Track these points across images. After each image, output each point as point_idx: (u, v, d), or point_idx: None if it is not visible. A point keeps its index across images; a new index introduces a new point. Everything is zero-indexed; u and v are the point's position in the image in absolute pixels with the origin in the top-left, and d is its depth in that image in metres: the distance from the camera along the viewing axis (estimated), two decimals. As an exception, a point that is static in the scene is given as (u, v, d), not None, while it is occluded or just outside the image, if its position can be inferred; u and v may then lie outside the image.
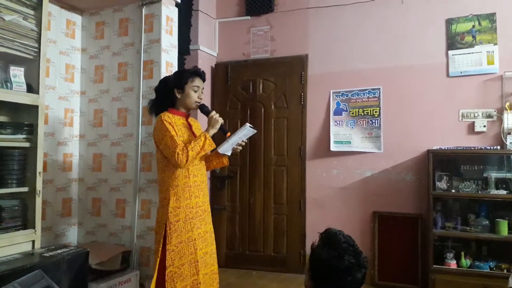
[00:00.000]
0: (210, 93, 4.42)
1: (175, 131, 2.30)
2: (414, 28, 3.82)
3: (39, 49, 2.58)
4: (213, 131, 2.40)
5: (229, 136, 2.46)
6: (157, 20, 3.26)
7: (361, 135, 3.93)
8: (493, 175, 3.38)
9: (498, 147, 3.39)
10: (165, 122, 2.31)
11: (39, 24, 2.59)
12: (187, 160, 2.25)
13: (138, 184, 3.25)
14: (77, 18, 3.51)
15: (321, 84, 4.11)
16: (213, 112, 2.44)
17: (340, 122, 4.02)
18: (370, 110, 3.91)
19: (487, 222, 3.32)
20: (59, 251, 2.47)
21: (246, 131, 2.47)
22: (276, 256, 4.14)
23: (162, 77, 2.78)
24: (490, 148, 3.39)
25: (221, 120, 2.42)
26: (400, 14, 3.87)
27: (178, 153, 2.23)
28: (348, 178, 3.97)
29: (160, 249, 2.26)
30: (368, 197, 3.88)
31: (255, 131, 2.51)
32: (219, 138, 2.46)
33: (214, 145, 2.39)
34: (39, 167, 2.53)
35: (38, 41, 2.58)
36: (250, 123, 2.50)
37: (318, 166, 4.09)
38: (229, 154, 2.51)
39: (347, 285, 1.33)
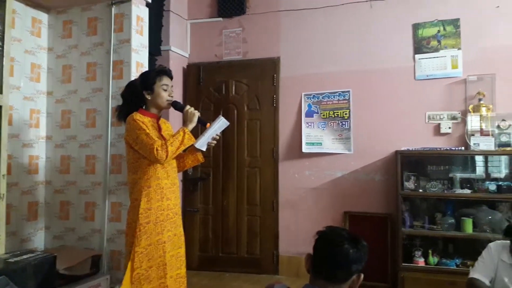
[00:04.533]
0: (182, 94, 4.39)
1: (149, 129, 2.28)
2: (383, 32, 3.92)
3: (3, 47, 2.49)
4: (191, 125, 2.37)
5: (205, 130, 2.45)
6: (127, 20, 3.22)
7: (332, 136, 3.99)
8: (458, 175, 3.51)
9: (463, 148, 3.52)
10: (137, 121, 2.28)
11: (2, 21, 2.49)
12: (167, 156, 2.21)
13: (108, 187, 3.18)
14: (43, 17, 3.41)
15: (292, 87, 4.15)
16: (188, 106, 2.42)
17: (312, 124, 4.07)
18: (340, 112, 3.98)
19: (453, 221, 3.44)
20: (24, 257, 2.39)
21: (220, 123, 2.47)
22: (249, 257, 4.13)
23: (128, 81, 2.74)
24: (455, 149, 3.51)
25: (197, 113, 2.40)
26: (369, 19, 3.97)
27: (157, 149, 2.19)
28: (320, 179, 4.02)
29: (132, 251, 2.22)
30: (339, 197, 3.95)
31: (228, 123, 2.51)
32: (196, 133, 2.45)
33: (193, 139, 2.36)
34: (3, 169, 2.43)
35: (2, 39, 2.49)
36: None
37: (290, 167, 4.12)
38: (205, 150, 2.49)
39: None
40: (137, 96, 2.43)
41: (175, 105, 2.46)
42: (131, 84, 2.56)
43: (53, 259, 2.49)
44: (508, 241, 2.18)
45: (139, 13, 3.29)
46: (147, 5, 3.40)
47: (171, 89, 2.44)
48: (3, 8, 2.50)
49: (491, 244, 2.28)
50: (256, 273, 4.04)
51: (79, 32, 3.37)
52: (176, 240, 2.42)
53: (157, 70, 2.48)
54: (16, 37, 3.10)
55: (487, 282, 2.17)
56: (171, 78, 2.47)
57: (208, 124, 2.46)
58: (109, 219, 3.17)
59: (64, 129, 3.36)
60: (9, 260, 2.31)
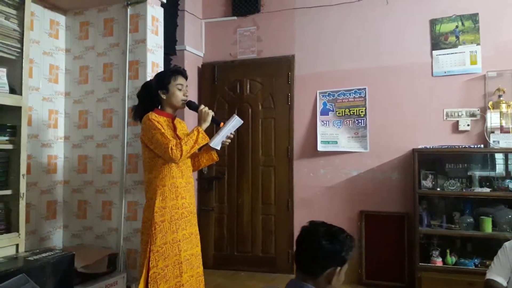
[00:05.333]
0: (197, 94, 4.40)
1: (164, 129, 2.30)
2: (399, 28, 3.86)
3: (22, 49, 2.53)
4: (205, 124, 2.39)
5: (219, 129, 2.46)
6: (142, 20, 3.24)
7: (348, 134, 3.95)
8: (477, 173, 3.44)
9: (482, 146, 3.44)
10: (153, 120, 2.31)
11: (21, 24, 2.53)
12: (181, 155, 2.24)
13: (124, 186, 3.22)
14: (60, 18, 3.46)
15: (307, 85, 4.13)
16: (202, 106, 2.44)
17: (327, 122, 4.04)
18: (356, 110, 3.94)
19: (471, 220, 3.37)
20: (43, 255, 2.43)
21: (234, 122, 2.47)
22: (264, 256, 4.13)
23: (144, 82, 2.76)
24: (474, 147, 3.44)
25: (211, 113, 2.41)
26: (385, 15, 3.91)
27: (172, 148, 2.21)
28: (335, 177, 3.99)
29: (148, 249, 2.24)
30: (355, 196, 3.91)
31: (242, 121, 2.51)
32: (210, 132, 2.46)
33: (207, 139, 2.38)
34: (23, 169, 2.48)
35: (21, 41, 2.53)
36: None
37: (305, 166, 4.10)
38: (219, 148, 2.50)
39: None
40: (152, 96, 2.46)
41: (190, 104, 2.48)
42: (147, 85, 2.58)
43: (71, 258, 2.52)
44: None
45: (154, 14, 3.31)
46: (162, 5, 3.42)
47: (185, 88, 2.46)
48: (22, 11, 2.54)
49: (506, 244, 2.23)
50: (271, 272, 4.04)
51: (96, 33, 3.41)
52: (193, 239, 2.44)
53: (172, 70, 2.50)
54: (34, 39, 3.15)
55: (504, 283, 2.12)
56: (186, 78, 2.49)
57: (222, 123, 2.47)
58: (126, 218, 3.20)
59: (81, 129, 3.41)
60: (29, 258, 2.35)
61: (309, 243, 1.41)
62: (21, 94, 2.50)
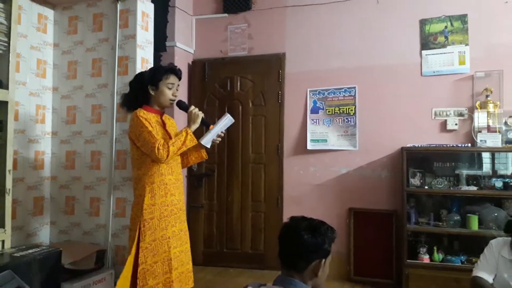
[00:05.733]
0: (187, 90, 4.39)
1: (152, 127, 2.28)
2: (389, 28, 3.89)
3: (9, 43, 2.50)
4: (195, 126, 2.38)
5: (209, 129, 2.45)
6: (132, 16, 3.22)
7: (337, 133, 3.97)
8: (464, 172, 3.49)
9: (469, 145, 3.49)
10: (141, 118, 2.29)
11: (8, 17, 2.51)
12: (167, 155, 2.23)
13: (113, 182, 3.20)
14: (49, 13, 3.42)
15: (298, 83, 4.13)
16: (192, 107, 2.42)
17: (317, 120, 4.05)
18: (346, 109, 3.96)
19: (458, 218, 3.42)
20: (30, 251, 2.41)
21: (226, 121, 2.48)
22: (253, 253, 4.14)
23: (137, 72, 2.73)
24: (462, 146, 3.48)
25: (201, 114, 2.40)
26: (375, 14, 3.93)
27: (158, 148, 2.20)
28: (325, 175, 4.01)
29: (134, 246, 2.23)
30: (344, 193, 3.93)
31: (233, 120, 2.52)
32: (199, 132, 2.45)
33: (195, 141, 2.37)
34: (9, 164, 2.45)
35: (8, 35, 2.51)
36: None
37: (295, 164, 4.11)
38: (209, 147, 2.50)
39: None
40: (143, 88, 2.42)
41: (180, 104, 2.47)
42: (140, 75, 2.53)
43: (58, 254, 2.51)
44: (509, 237, 2.17)
45: (144, 9, 3.30)
46: (153, 1, 3.40)
47: (176, 88, 2.44)
48: (10, 4, 2.52)
49: (492, 241, 2.27)
50: (260, 268, 4.05)
51: (85, 28, 3.38)
52: (183, 236, 2.43)
53: (166, 68, 2.46)
54: (22, 33, 3.12)
55: (490, 280, 2.16)
56: (179, 78, 2.47)
57: (211, 126, 2.46)
58: (114, 215, 3.19)
59: (69, 124, 3.38)
60: (15, 254, 2.34)
61: (292, 238, 1.41)
62: (7, 89, 2.48)
